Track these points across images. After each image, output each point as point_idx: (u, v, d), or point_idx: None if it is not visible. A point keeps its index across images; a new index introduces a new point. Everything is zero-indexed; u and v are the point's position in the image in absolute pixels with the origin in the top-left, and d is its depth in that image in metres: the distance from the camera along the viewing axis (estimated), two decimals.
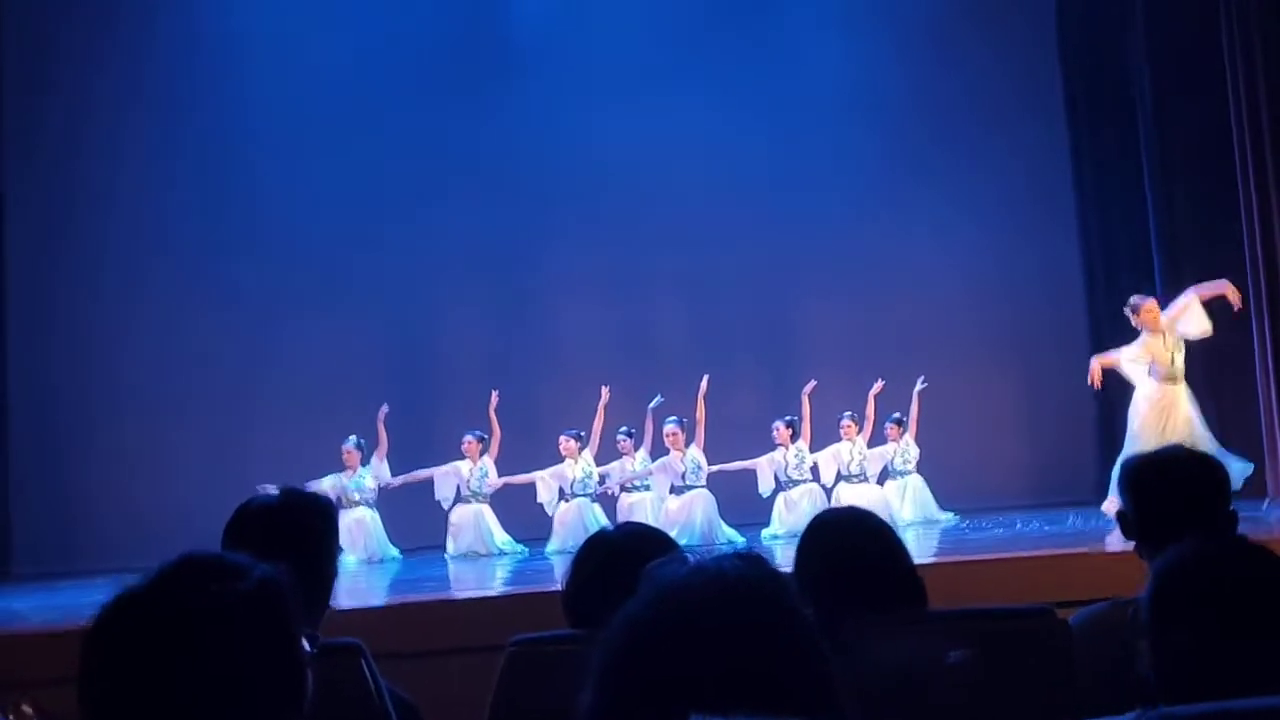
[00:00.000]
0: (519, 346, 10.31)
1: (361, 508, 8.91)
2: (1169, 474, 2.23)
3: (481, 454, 9.00)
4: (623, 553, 2.05)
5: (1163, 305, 8.76)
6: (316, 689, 1.32)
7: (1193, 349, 8.93)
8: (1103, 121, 10.39)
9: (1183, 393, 7.66)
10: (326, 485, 8.75)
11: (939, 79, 10.36)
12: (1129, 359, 7.89)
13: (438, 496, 8.98)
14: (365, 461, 9.03)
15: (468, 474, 8.96)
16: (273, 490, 2.14)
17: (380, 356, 10.26)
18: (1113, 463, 9.69)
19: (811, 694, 1.10)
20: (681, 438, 8.84)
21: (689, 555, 1.25)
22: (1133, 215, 9.91)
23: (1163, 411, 7.57)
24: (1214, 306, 9.01)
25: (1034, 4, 10.71)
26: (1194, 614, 1.60)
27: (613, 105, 10.32)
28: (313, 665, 1.29)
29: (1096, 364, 8.09)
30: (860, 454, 9.24)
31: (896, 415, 9.47)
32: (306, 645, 1.26)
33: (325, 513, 2.10)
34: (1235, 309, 7.84)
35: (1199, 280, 9.27)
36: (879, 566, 1.98)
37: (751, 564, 1.19)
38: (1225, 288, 7.72)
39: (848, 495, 9.12)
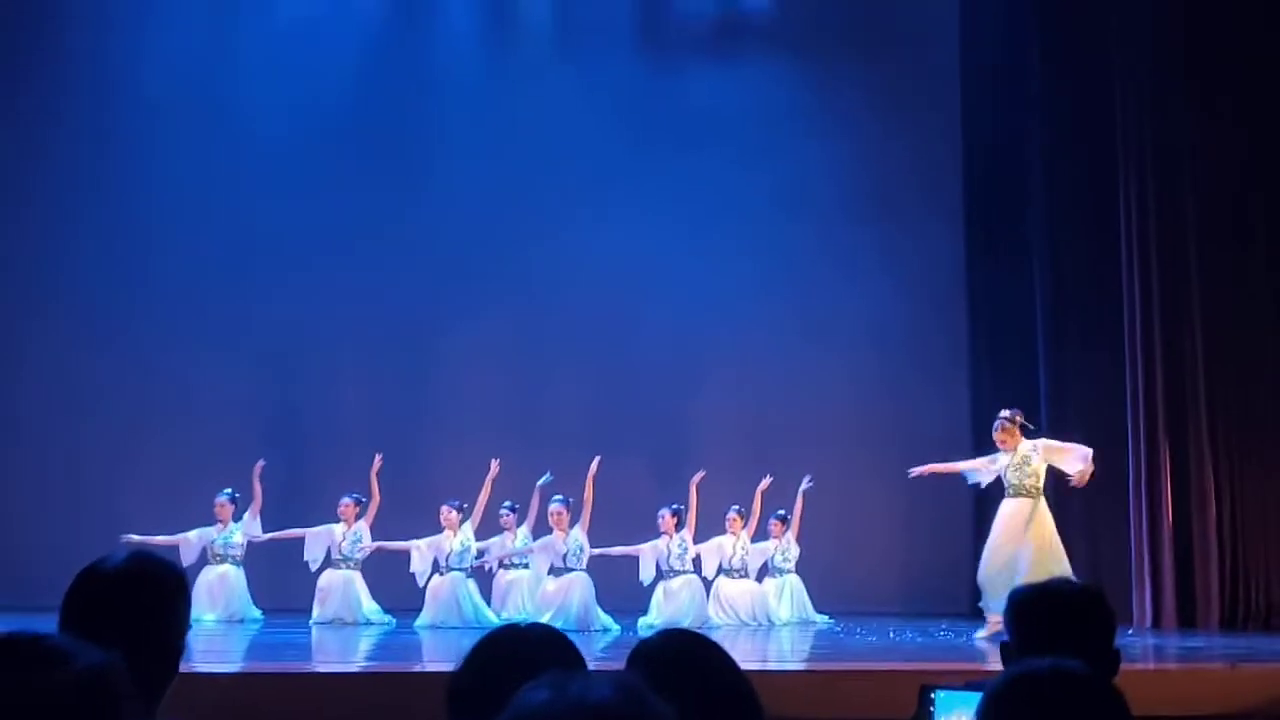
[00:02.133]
0: (409, 411, 10.13)
1: (227, 564, 8.58)
2: (1055, 609, 2.22)
3: (358, 518, 8.75)
4: (525, 656, 1.91)
5: (1044, 424, 9.00)
6: None
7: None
8: (997, 230, 10.73)
9: (1040, 508, 7.59)
10: (193, 537, 8.43)
11: (845, 179, 10.59)
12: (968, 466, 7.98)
13: (307, 558, 8.69)
14: (238, 517, 8.71)
15: (340, 537, 8.70)
16: (121, 553, 1.99)
17: (266, 409, 9.98)
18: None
19: None
20: (566, 518, 8.70)
21: (563, 681, 1.16)
22: (1021, 325, 10.20)
23: (1018, 527, 7.49)
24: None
25: (942, 108, 11.03)
26: None
27: (522, 184, 10.35)
28: None
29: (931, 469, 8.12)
30: (743, 549, 9.22)
31: (781, 512, 9.49)
32: None
33: (175, 583, 1.94)
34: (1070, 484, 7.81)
35: (1082, 390, 9.51)
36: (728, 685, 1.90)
37: (623, 695, 1.11)
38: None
39: (727, 589, 9.07)
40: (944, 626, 8.72)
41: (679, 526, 9.00)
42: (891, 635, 8.13)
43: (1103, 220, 9.42)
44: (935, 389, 10.61)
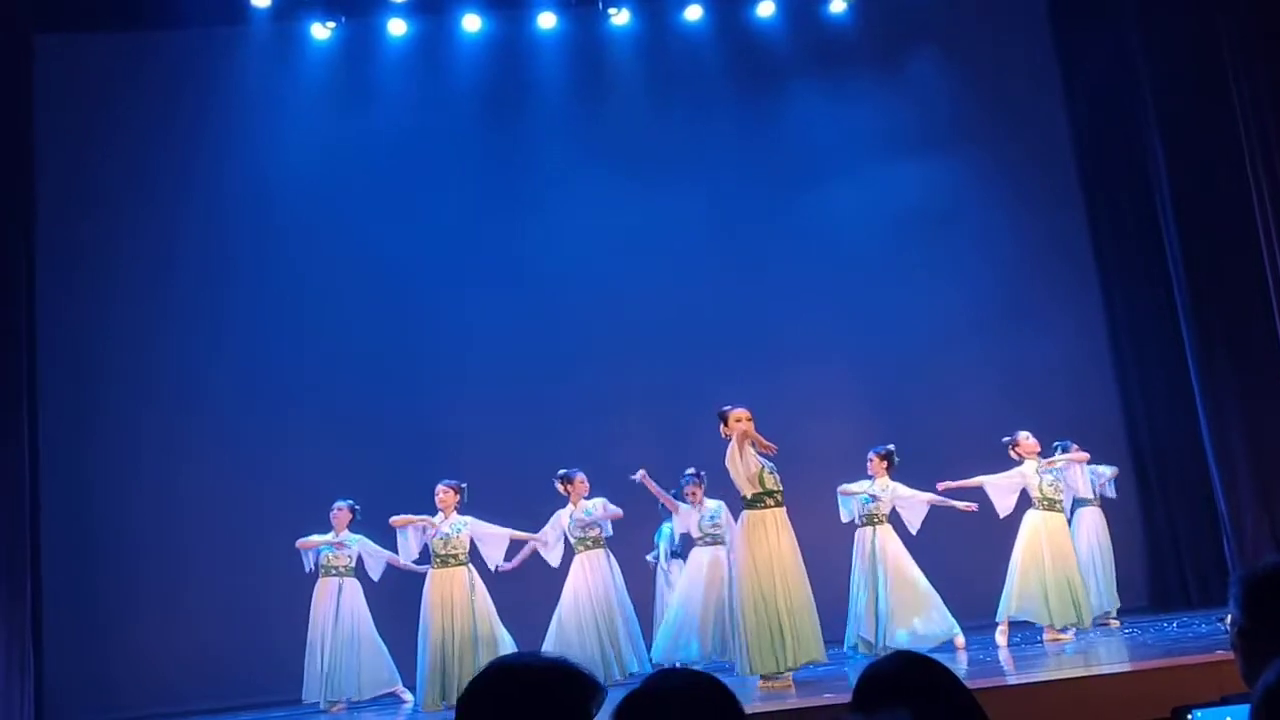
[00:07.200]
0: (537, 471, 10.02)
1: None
2: None
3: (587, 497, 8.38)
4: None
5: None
6: None
7: (1234, 441, 8.91)
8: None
9: (1060, 522, 8.15)
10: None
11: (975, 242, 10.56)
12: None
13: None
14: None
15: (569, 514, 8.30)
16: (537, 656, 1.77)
17: (390, 494, 9.85)
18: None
19: None
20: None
21: None
22: (1161, 314, 10.02)
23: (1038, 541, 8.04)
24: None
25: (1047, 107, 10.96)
26: None
27: (652, 227, 10.47)
28: None
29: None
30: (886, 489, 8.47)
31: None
32: None
33: (591, 689, 1.87)
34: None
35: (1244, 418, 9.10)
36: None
37: None
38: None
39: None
40: (1174, 622, 8.52)
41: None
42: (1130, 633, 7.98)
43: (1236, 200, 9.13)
44: (1083, 387, 10.47)
